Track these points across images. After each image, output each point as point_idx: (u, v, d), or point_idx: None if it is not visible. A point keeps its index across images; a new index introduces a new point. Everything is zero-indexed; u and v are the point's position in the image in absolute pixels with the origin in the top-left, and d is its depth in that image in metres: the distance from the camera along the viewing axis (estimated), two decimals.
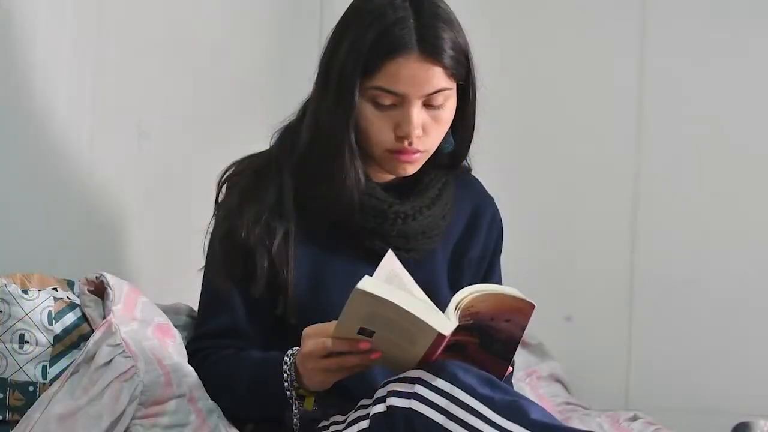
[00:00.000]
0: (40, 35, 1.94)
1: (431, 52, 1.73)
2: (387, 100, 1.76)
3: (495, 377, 1.63)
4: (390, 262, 1.66)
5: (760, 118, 2.99)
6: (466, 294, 1.59)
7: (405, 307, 1.54)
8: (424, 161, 1.82)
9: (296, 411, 1.71)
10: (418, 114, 1.76)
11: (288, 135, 1.86)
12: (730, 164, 2.99)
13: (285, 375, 1.69)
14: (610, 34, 3.06)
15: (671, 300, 3.00)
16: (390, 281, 1.62)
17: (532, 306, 1.61)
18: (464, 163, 1.94)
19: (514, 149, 3.07)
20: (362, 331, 1.58)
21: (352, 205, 1.79)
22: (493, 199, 1.98)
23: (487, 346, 1.64)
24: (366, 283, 1.54)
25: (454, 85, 1.78)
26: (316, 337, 1.63)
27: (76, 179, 2.05)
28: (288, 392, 1.69)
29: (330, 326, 1.61)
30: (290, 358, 1.69)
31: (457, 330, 1.59)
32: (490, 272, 1.94)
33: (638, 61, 3.03)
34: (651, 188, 3.03)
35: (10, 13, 1.88)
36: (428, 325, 1.54)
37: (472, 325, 1.62)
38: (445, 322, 1.56)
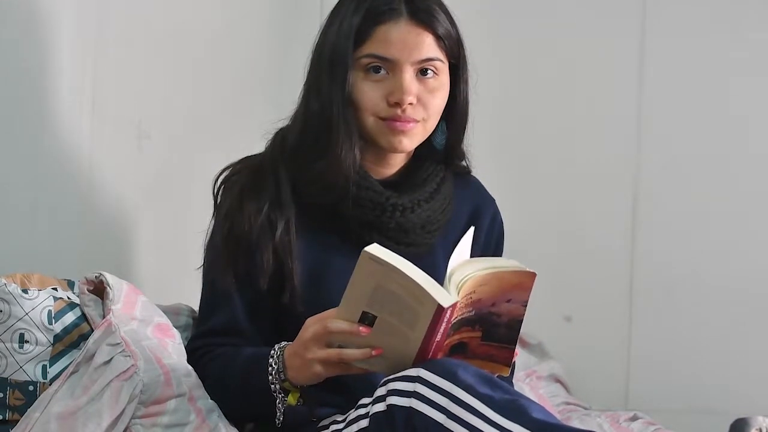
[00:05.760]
0: (41, 35, 1.94)
1: (421, 18, 1.77)
2: (379, 68, 1.77)
3: (496, 373, 1.64)
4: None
5: (759, 118, 3.00)
6: (467, 275, 1.58)
7: (408, 274, 1.54)
8: (420, 137, 1.82)
9: (280, 406, 1.71)
10: (410, 80, 1.77)
11: (280, 135, 1.87)
12: (730, 164, 2.99)
13: (270, 368, 1.69)
14: (611, 34, 3.06)
15: (671, 300, 3.00)
16: None
17: (533, 275, 1.61)
18: (464, 163, 1.94)
19: (514, 149, 3.07)
20: (364, 318, 1.58)
21: (348, 181, 1.79)
22: (493, 200, 1.98)
23: (490, 336, 1.64)
24: (373, 248, 1.55)
25: (446, 60, 1.80)
26: (319, 322, 1.63)
27: (76, 179, 2.05)
28: (273, 385, 1.69)
29: (331, 314, 1.62)
30: (278, 351, 1.70)
31: (460, 325, 1.59)
32: None
33: (638, 60, 3.04)
34: (651, 188, 3.03)
35: (10, 13, 1.89)
36: (430, 295, 1.54)
37: (474, 317, 1.61)
38: (446, 296, 1.55)
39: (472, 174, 1.97)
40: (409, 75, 1.77)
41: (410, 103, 1.78)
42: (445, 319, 1.57)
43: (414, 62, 1.77)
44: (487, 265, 1.61)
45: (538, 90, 3.10)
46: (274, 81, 2.73)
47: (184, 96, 2.38)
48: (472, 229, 1.74)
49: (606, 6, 3.06)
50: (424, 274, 1.57)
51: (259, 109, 2.53)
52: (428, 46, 1.77)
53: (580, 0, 3.09)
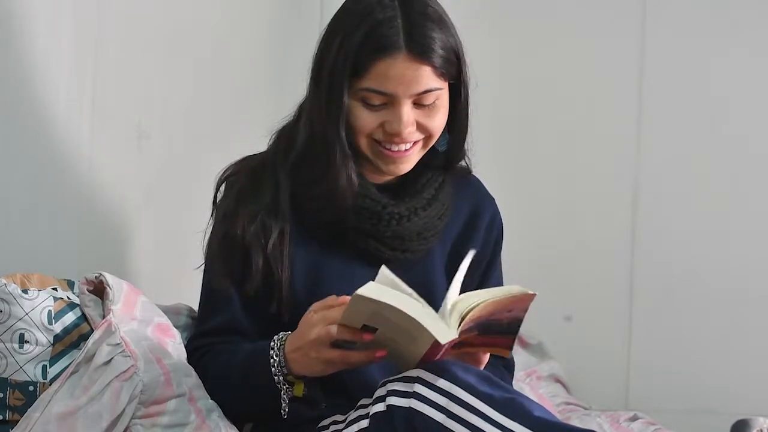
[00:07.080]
0: (40, 35, 1.94)
1: (419, 52, 1.73)
2: (377, 100, 1.75)
3: (497, 353, 1.65)
4: (385, 275, 1.62)
5: (759, 118, 3.00)
6: (471, 305, 1.58)
7: (405, 311, 1.53)
8: (419, 156, 1.82)
9: (285, 397, 1.71)
10: (408, 113, 1.75)
11: (284, 136, 1.86)
12: (730, 164, 2.99)
13: (272, 360, 1.69)
14: (611, 34, 3.06)
15: (671, 300, 3.00)
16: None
17: (533, 295, 1.61)
18: (464, 163, 1.93)
19: (514, 149, 3.07)
20: (365, 327, 1.58)
21: (345, 206, 1.79)
22: (493, 200, 1.97)
23: (488, 332, 1.64)
24: (366, 289, 1.53)
25: (445, 85, 1.77)
26: (322, 323, 1.63)
27: (76, 179, 2.05)
28: (276, 377, 1.69)
29: (335, 310, 1.62)
30: (278, 343, 1.69)
31: (459, 334, 1.59)
32: (489, 271, 1.93)
33: (638, 60, 3.04)
34: (651, 188, 3.03)
35: (10, 13, 1.89)
36: (428, 331, 1.54)
37: (474, 327, 1.61)
38: (445, 331, 1.55)
39: (472, 173, 1.97)
40: (407, 107, 1.75)
41: (408, 133, 1.77)
42: (444, 348, 1.57)
43: (412, 95, 1.75)
44: (493, 295, 1.60)
45: (538, 90, 3.10)
46: (274, 81, 2.73)
47: (184, 96, 2.38)
48: (472, 252, 1.72)
49: (606, 6, 3.06)
50: (422, 307, 1.55)
51: (259, 109, 2.53)
52: (426, 79, 1.74)
53: (580, 0, 3.09)
